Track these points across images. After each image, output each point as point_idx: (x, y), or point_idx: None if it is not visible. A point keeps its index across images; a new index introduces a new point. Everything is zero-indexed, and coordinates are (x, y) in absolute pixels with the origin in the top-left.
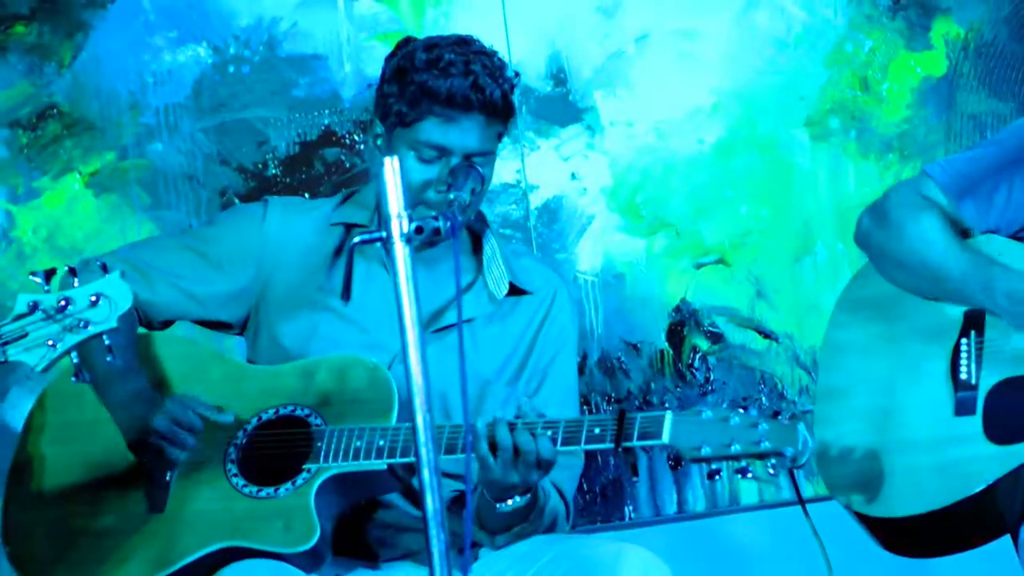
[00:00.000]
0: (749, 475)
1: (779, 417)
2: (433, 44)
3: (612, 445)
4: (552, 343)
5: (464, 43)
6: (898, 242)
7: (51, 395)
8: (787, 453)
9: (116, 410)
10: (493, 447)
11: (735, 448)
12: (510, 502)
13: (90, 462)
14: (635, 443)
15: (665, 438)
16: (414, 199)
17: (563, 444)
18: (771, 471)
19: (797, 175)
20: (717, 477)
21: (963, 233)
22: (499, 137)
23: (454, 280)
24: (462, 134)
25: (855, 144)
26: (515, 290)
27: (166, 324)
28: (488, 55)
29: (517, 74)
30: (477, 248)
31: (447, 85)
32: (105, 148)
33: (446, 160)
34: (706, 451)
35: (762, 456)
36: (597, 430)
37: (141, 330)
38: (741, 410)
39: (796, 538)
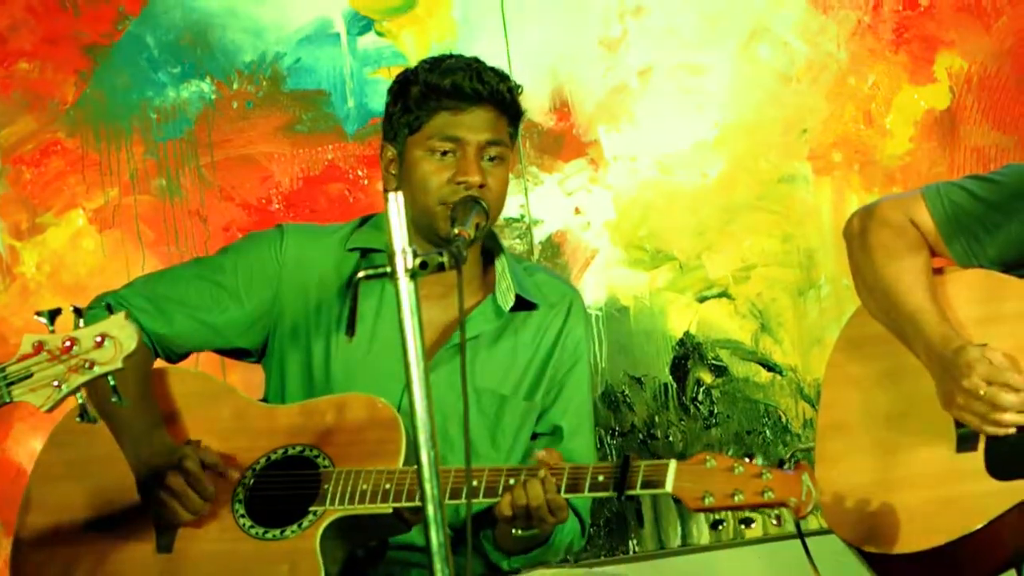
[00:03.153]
0: (753, 525)
1: (784, 467)
2: (434, 57)
3: (615, 493)
4: (569, 355)
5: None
6: (872, 271)
7: (62, 431)
8: (791, 504)
9: (127, 449)
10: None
11: (739, 498)
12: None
13: (100, 499)
14: (638, 492)
15: (668, 487)
16: (437, 201)
17: (567, 491)
18: (774, 522)
19: (800, 208)
20: (721, 526)
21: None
22: (511, 139)
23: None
24: (472, 122)
25: (858, 177)
26: (524, 304)
27: (185, 355)
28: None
29: (521, 87)
30: (490, 268)
31: (452, 79)
32: (109, 184)
33: (461, 153)
34: (709, 501)
35: (766, 506)
36: (601, 477)
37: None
38: (746, 459)
39: (800, 572)
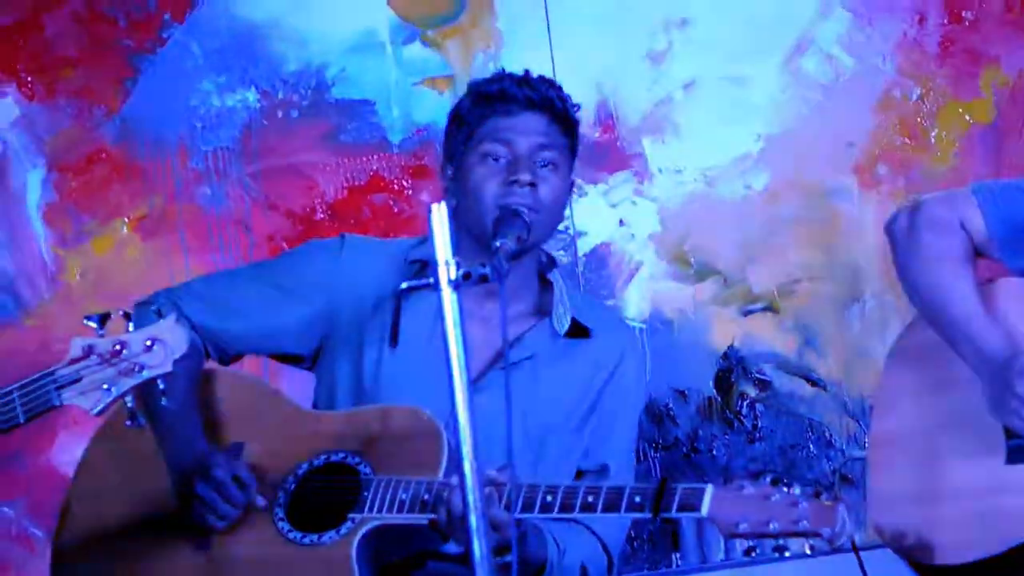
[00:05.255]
0: (787, 553)
1: (821, 497)
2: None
3: (651, 515)
4: (622, 394)
5: None
6: (919, 273)
7: (109, 427)
8: (824, 535)
9: (168, 452)
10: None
11: (773, 527)
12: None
13: (141, 498)
14: (674, 515)
15: (704, 511)
16: (492, 205)
17: (603, 510)
18: (808, 550)
19: (845, 222)
20: (754, 552)
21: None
22: (568, 150)
23: (515, 320)
24: (523, 124)
25: (903, 191)
26: (579, 330)
27: (238, 357)
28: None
29: (579, 105)
30: (545, 287)
31: (502, 86)
32: (153, 192)
33: (513, 156)
34: (744, 527)
35: (800, 536)
36: (638, 498)
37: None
38: (784, 487)
39: None
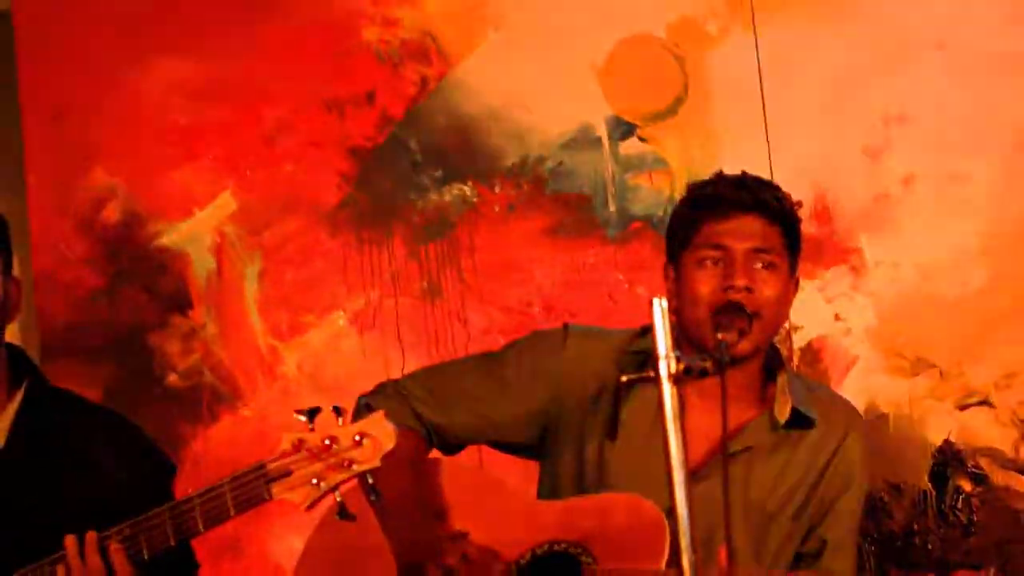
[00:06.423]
0: None
1: None
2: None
3: None
4: (842, 477)
5: None
6: None
7: (329, 519)
8: None
9: (391, 539)
10: None
11: None
12: None
13: None
14: None
15: None
16: (706, 309)
17: None
18: None
19: None
20: None
21: None
22: (788, 249)
23: (736, 413)
24: (738, 228)
25: None
26: (801, 420)
27: (460, 447)
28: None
29: (800, 203)
30: (771, 383)
31: (715, 188)
32: (370, 286)
33: (728, 260)
34: None
35: None
36: None
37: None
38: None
39: None
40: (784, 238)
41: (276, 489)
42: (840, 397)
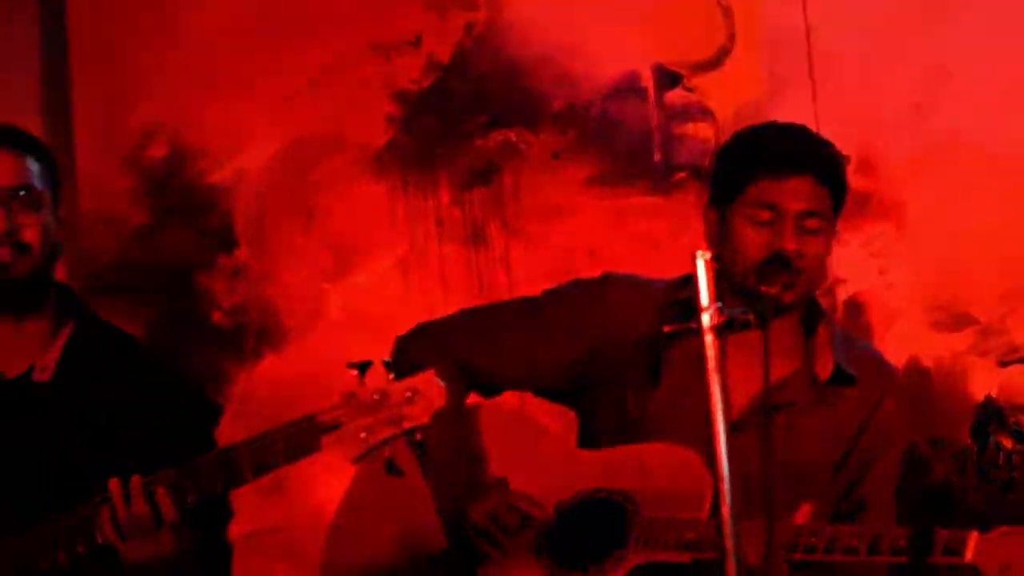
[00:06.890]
0: None
1: None
2: (757, 126)
3: (915, 558)
4: (881, 434)
5: None
6: None
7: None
8: None
9: (434, 485)
10: None
11: None
12: None
13: (402, 537)
14: (937, 560)
15: (968, 557)
16: (753, 268)
17: (868, 553)
18: None
19: None
20: None
21: None
22: (832, 207)
23: (778, 366)
24: (792, 189)
25: None
26: (842, 376)
27: (499, 391)
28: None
29: (849, 157)
30: (813, 337)
31: (773, 145)
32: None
33: (779, 221)
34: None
35: None
36: (902, 542)
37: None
38: None
39: None
40: (831, 200)
41: (326, 440)
42: (880, 356)
